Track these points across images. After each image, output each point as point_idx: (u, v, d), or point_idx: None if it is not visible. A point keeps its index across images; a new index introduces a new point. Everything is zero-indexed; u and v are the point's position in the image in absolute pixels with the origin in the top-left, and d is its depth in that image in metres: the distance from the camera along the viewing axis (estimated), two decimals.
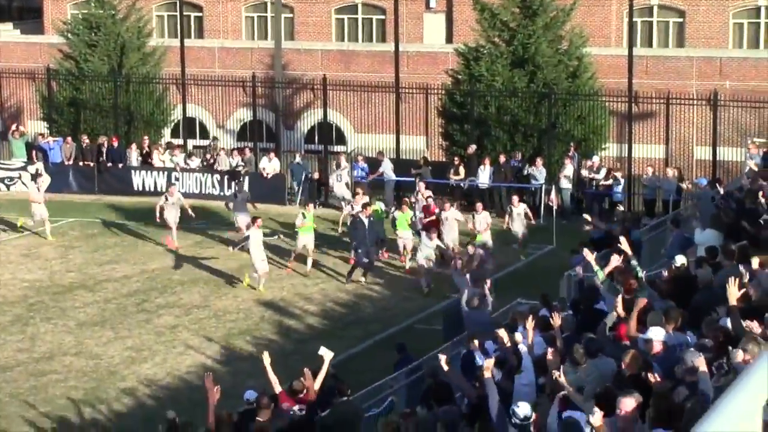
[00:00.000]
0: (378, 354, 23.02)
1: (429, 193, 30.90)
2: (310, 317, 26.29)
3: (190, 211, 31.34)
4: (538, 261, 29.47)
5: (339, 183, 35.62)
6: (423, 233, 27.66)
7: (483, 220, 28.42)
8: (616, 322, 14.85)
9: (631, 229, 24.10)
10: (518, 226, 29.68)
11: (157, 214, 31.32)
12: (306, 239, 28.94)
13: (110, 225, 34.10)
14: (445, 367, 15.33)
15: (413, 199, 30.76)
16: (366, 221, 28.04)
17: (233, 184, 35.47)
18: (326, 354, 16.38)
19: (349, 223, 29.21)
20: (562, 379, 12.71)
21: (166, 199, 31.34)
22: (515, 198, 30.20)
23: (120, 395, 21.83)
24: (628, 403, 9.90)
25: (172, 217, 31.18)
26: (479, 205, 29.12)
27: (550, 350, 14.31)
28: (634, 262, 16.65)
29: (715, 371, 10.62)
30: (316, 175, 36.17)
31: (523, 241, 29.86)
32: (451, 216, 28.52)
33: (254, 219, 28.30)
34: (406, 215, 29.03)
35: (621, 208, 31.48)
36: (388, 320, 25.82)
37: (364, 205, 28.73)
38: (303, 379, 15.94)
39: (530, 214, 30.05)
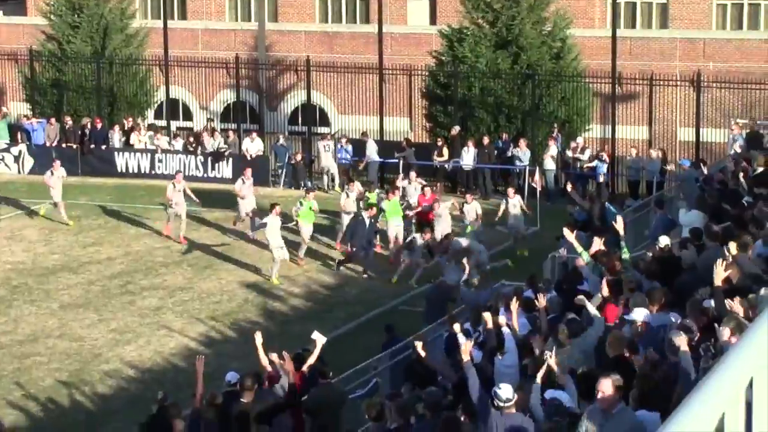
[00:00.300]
0: (362, 335, 23.04)
1: (422, 181, 30.44)
2: (294, 299, 26.27)
3: (194, 197, 30.44)
4: (523, 242, 29.39)
5: (326, 153, 35.45)
6: (417, 235, 27.19)
7: (472, 210, 27.67)
8: (602, 303, 14.88)
9: (608, 204, 24.07)
10: (514, 221, 28.48)
11: (169, 199, 30.25)
12: (304, 229, 28.32)
13: (95, 207, 33.94)
14: (422, 354, 15.37)
15: (400, 184, 30.26)
16: (368, 221, 27.58)
17: (220, 165, 35.35)
18: (319, 339, 16.39)
19: (349, 220, 28.47)
20: (552, 361, 12.74)
21: (174, 186, 30.11)
22: (511, 190, 29.02)
23: (104, 377, 21.83)
24: (605, 384, 9.92)
25: (174, 208, 30.04)
26: (469, 197, 28.31)
27: (536, 336, 14.34)
28: (623, 243, 16.67)
29: (702, 353, 10.64)
30: (298, 157, 36.05)
31: (520, 238, 28.66)
32: (444, 211, 28.01)
33: (273, 205, 27.58)
34: (394, 202, 28.55)
35: (601, 179, 31.03)
36: (372, 302, 25.80)
37: (369, 206, 28.18)
38: (282, 362, 15.92)
39: (525, 207, 28.91)
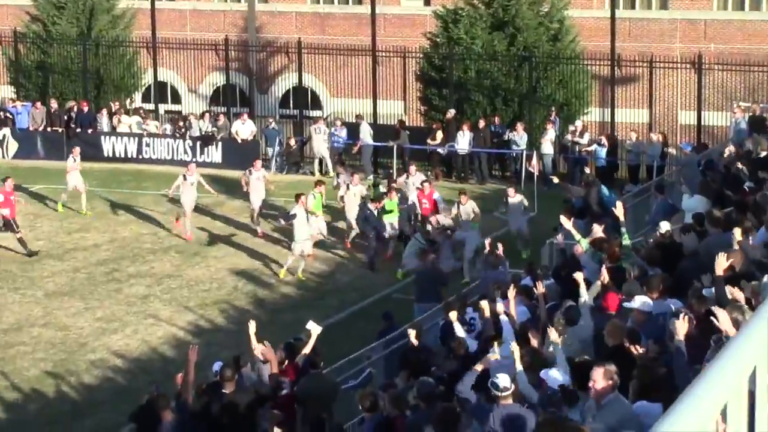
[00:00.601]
0: (355, 324, 22.68)
1: (421, 177, 29.47)
2: (285, 287, 25.87)
3: (207, 187, 29.40)
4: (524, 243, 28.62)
5: (317, 135, 34.87)
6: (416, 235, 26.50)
7: (469, 210, 26.28)
8: (602, 292, 14.53)
9: (602, 187, 23.60)
10: (516, 221, 27.10)
11: (171, 193, 29.42)
12: (315, 222, 27.35)
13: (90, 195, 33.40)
14: (415, 343, 15.11)
15: (403, 181, 29.36)
16: (375, 212, 26.82)
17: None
18: (314, 329, 16.15)
19: (357, 213, 27.63)
20: (552, 348, 12.46)
21: (185, 178, 28.74)
22: (511, 190, 27.44)
23: (90, 367, 21.57)
24: (596, 373, 9.78)
25: (189, 200, 28.71)
26: (464, 198, 26.61)
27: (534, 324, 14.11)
28: (623, 229, 16.41)
29: (713, 344, 10.30)
30: (292, 142, 35.60)
31: (524, 239, 27.08)
32: (441, 221, 27.23)
33: (298, 195, 26.33)
34: (393, 202, 27.47)
35: (587, 170, 30.57)
36: (365, 290, 25.40)
37: (375, 198, 27.35)
38: (263, 352, 15.57)
39: (527, 204, 27.63)
